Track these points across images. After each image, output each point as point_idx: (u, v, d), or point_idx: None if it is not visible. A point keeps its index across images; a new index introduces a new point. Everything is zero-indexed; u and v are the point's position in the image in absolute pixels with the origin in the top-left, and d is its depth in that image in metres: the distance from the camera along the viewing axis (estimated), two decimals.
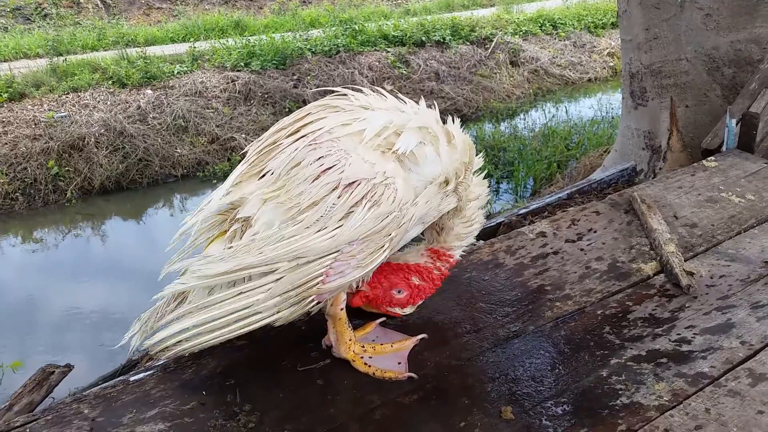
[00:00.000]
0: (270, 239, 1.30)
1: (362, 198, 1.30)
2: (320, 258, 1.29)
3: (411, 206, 1.36)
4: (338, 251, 1.29)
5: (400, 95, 1.55)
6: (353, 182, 1.31)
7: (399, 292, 1.61)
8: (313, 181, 1.31)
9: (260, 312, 1.30)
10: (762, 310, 1.64)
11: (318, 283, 1.30)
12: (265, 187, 1.36)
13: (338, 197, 1.29)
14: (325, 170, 1.31)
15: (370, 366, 1.50)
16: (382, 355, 1.53)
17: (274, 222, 1.33)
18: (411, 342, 1.57)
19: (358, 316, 1.68)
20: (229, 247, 1.34)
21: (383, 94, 1.53)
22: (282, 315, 1.32)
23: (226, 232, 1.42)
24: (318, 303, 1.36)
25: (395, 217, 1.32)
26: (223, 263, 1.30)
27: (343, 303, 1.50)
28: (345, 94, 1.51)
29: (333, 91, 1.52)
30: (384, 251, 1.35)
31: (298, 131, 1.41)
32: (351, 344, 1.53)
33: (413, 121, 1.41)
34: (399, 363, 1.50)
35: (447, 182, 1.44)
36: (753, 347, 1.50)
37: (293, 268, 1.28)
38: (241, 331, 1.32)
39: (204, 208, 1.45)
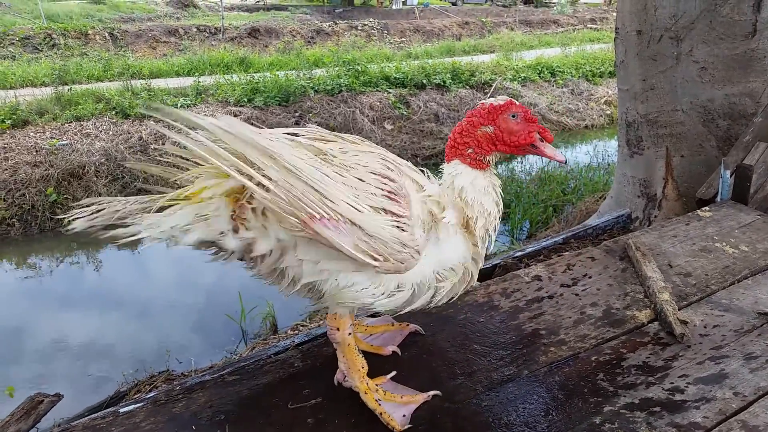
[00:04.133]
0: (308, 163, 1.29)
1: (395, 211, 1.32)
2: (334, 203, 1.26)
3: (414, 259, 1.34)
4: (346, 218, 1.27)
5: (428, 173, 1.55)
6: (402, 196, 1.34)
7: None
8: (373, 174, 1.34)
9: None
10: (755, 361, 1.64)
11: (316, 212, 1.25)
12: (328, 149, 1.37)
13: (382, 193, 1.32)
14: (385, 176, 1.35)
15: (380, 405, 1.47)
16: (391, 402, 1.50)
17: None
18: (422, 397, 1.53)
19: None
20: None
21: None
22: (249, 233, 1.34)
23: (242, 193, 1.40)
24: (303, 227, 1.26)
25: (398, 251, 1.31)
26: (255, 135, 1.28)
27: (350, 328, 1.49)
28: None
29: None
30: (365, 264, 1.29)
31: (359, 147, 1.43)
32: (364, 372, 1.50)
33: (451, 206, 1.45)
34: (404, 416, 1.47)
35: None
36: (746, 399, 1.50)
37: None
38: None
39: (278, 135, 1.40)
